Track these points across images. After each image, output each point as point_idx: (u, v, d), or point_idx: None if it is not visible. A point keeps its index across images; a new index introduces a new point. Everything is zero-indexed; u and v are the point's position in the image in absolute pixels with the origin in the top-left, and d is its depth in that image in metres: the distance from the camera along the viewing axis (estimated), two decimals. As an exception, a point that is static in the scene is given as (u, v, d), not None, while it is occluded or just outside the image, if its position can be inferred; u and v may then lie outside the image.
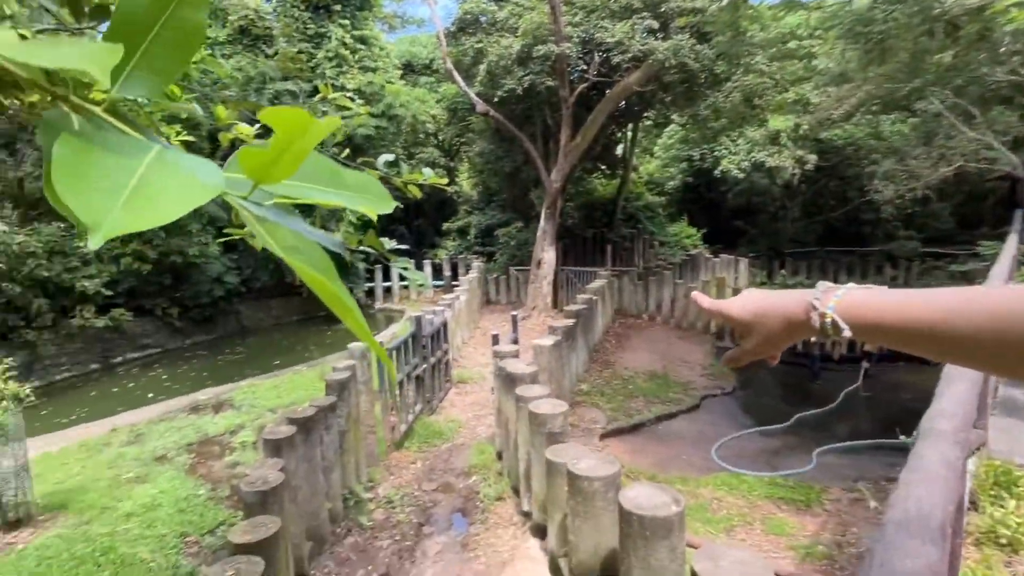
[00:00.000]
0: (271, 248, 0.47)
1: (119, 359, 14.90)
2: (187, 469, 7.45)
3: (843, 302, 0.81)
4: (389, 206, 0.63)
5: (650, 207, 23.69)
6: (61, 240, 13.30)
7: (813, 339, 0.87)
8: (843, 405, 11.41)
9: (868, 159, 19.23)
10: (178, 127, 2.09)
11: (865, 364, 12.82)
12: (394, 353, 8.11)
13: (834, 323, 0.80)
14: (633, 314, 16.41)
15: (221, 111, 1.88)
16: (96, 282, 13.41)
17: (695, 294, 1.02)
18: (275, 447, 4.89)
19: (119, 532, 5.95)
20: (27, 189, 14.13)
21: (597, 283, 14.34)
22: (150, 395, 11.82)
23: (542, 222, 16.74)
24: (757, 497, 6.90)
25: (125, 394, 12.39)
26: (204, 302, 16.97)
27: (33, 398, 6.69)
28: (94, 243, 0.37)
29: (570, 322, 9.99)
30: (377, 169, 1.56)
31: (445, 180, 1.59)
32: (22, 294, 12.35)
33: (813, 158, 18.24)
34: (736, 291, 14.88)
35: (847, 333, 0.80)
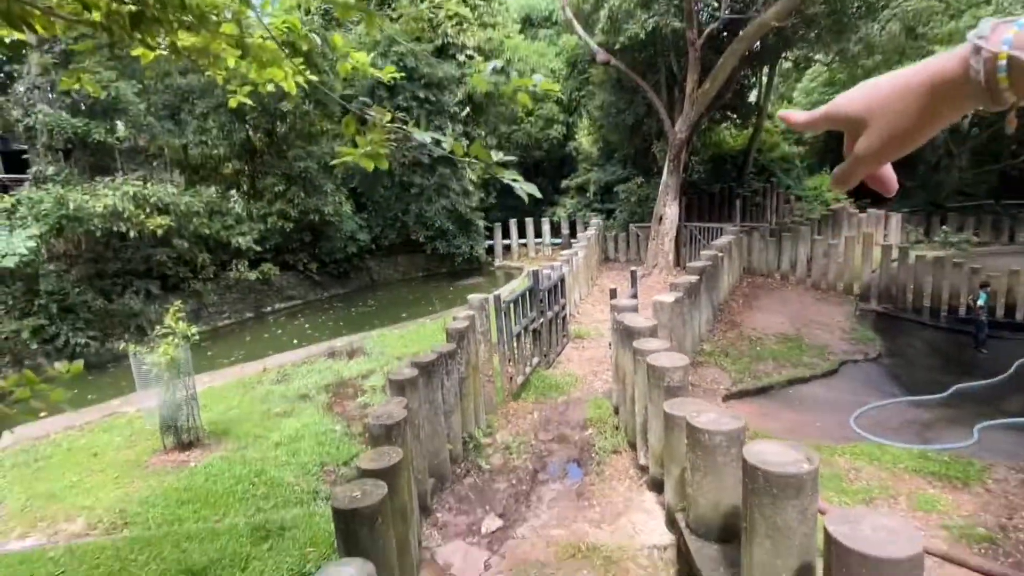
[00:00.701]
0: None
1: (269, 309, 16.55)
2: (325, 407, 8.15)
3: None
4: None
5: (786, 159, 21.88)
6: (219, 201, 14.82)
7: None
8: (1016, 377, 9.99)
9: (1065, 93, 16.19)
10: (299, 61, 2.16)
11: (1047, 332, 11.09)
12: (511, 305, 8.22)
13: (1013, 64, 0.56)
14: (763, 273, 15.41)
15: (338, 39, 1.92)
16: (248, 238, 14.86)
17: (782, 112, 0.80)
18: (399, 387, 5.17)
19: (269, 458, 6.66)
20: (190, 155, 15.84)
21: (724, 239, 13.55)
22: (294, 341, 13.04)
23: (665, 176, 16.02)
24: (903, 470, 6.26)
25: (274, 339, 13.77)
26: (339, 257, 18.33)
27: (198, 338, 7.61)
28: None
29: (693, 279, 9.54)
30: (485, 79, 1.50)
31: (557, 87, 1.50)
32: (189, 249, 14.01)
33: (990, 95, 15.69)
34: (886, 248, 13.41)
35: None
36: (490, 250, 22.07)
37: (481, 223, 21.04)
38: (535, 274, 9.16)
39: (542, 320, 9.20)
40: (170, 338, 6.75)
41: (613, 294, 9.11)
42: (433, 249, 20.28)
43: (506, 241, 22.11)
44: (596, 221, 19.44)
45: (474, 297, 7.94)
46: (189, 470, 6.47)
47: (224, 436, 7.33)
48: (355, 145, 1.73)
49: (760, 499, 3.13)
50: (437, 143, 1.55)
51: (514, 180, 1.39)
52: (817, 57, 18.30)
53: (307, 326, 15.01)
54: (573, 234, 20.68)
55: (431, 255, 20.73)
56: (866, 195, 20.63)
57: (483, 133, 19.89)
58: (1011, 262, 13.36)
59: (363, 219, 19.33)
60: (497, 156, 1.39)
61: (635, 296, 9.16)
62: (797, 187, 21.27)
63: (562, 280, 10.33)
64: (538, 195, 1.37)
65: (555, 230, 22.03)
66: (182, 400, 6.96)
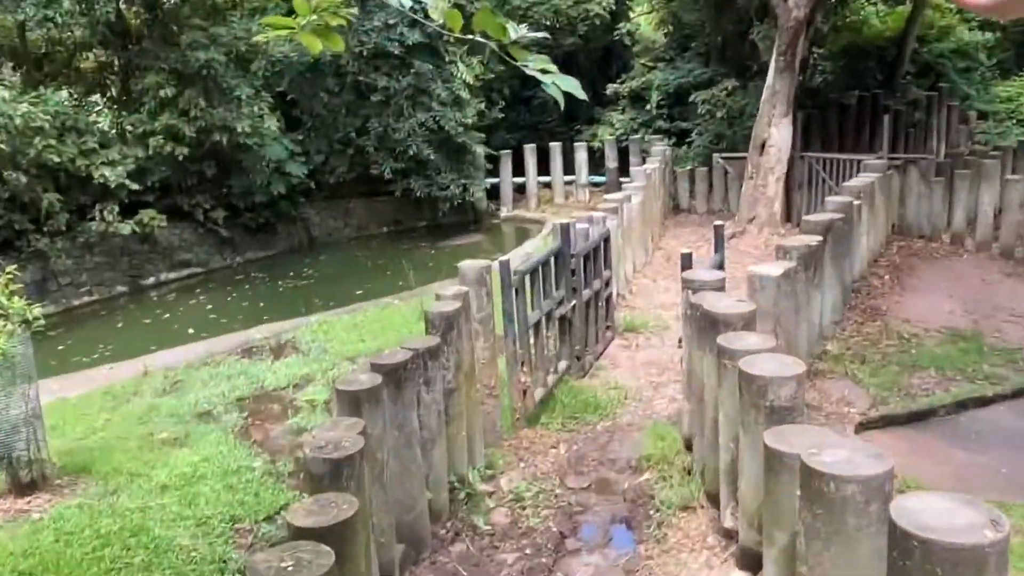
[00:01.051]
0: None
1: (151, 280, 16.70)
2: (238, 432, 8.24)
3: None
4: None
5: (965, 52, 21.58)
6: (74, 112, 14.83)
7: None
8: None
9: None
10: None
11: None
12: (526, 279, 8.20)
13: None
14: (923, 234, 15.34)
15: None
16: (119, 170, 14.89)
17: None
18: (353, 402, 5.17)
19: (152, 509, 6.74)
20: (30, 40, 15.81)
21: (862, 179, 13.45)
22: (190, 330, 13.16)
23: (770, 79, 15.86)
24: None
25: (159, 327, 13.91)
26: (259, 201, 18.31)
27: (44, 323, 7.65)
28: None
29: (813, 241, 9.50)
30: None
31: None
32: (28, 185, 14.04)
33: None
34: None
35: None
36: (494, 192, 22.00)
37: (480, 150, 20.89)
38: (564, 230, 9.11)
39: (574, 302, 9.19)
40: (-1, 323, 6.80)
41: (686, 262, 9.07)
42: (405, 190, 20.24)
43: (519, 179, 22.03)
44: (661, 149, 19.31)
45: (468, 265, 7.92)
46: (30, 524, 6.56)
47: (83, 474, 7.42)
48: (291, 15, 1.68)
49: (915, 583, 3.13)
50: (418, 10, 1.51)
51: (543, 71, 1.34)
52: None
53: (210, 307, 15.11)
54: (624, 170, 20.55)
55: (402, 199, 20.71)
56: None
57: (486, 7, 19.75)
58: None
59: (296, 142, 19.26)
60: (517, 32, 1.33)
61: (721, 266, 9.12)
62: (980, 97, 20.99)
63: (606, 240, 10.33)
64: (581, 95, 1.33)
65: (596, 162, 21.91)
66: (18, 418, 7.03)
